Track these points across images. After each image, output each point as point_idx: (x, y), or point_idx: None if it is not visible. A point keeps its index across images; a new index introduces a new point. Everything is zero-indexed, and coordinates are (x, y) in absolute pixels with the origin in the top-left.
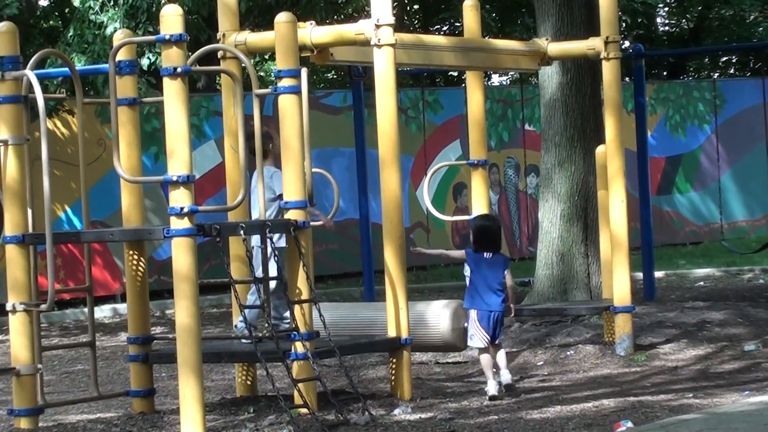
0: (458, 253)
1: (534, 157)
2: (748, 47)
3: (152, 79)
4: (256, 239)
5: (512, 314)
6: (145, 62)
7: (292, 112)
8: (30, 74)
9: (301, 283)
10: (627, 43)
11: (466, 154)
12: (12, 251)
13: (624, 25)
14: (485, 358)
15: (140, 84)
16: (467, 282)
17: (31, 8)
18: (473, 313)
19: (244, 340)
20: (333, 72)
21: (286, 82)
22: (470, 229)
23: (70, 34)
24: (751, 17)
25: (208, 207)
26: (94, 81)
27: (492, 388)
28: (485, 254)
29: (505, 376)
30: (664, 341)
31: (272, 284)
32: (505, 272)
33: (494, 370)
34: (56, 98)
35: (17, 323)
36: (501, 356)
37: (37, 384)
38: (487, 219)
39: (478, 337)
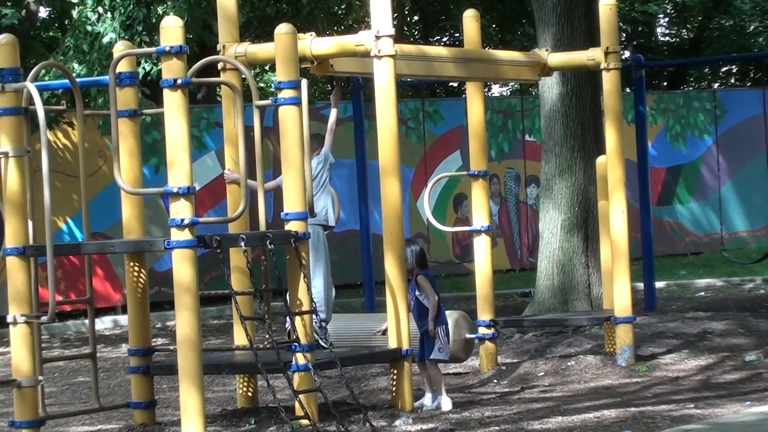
0: (434, 299)
1: (534, 168)
2: (749, 57)
3: (146, 90)
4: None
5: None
6: (139, 72)
7: (292, 123)
8: (30, 86)
9: (302, 294)
10: (627, 54)
11: (466, 164)
12: (13, 263)
13: (624, 35)
14: (440, 372)
15: None
16: (429, 305)
17: (31, 19)
18: (443, 330)
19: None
20: (333, 83)
21: (286, 94)
22: (412, 254)
23: (66, 44)
24: (752, 27)
25: (209, 218)
26: (87, 90)
27: (448, 403)
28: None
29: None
30: (665, 352)
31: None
32: None
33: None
34: (57, 110)
35: (18, 335)
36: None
37: (39, 396)
38: (417, 243)
39: (446, 351)
